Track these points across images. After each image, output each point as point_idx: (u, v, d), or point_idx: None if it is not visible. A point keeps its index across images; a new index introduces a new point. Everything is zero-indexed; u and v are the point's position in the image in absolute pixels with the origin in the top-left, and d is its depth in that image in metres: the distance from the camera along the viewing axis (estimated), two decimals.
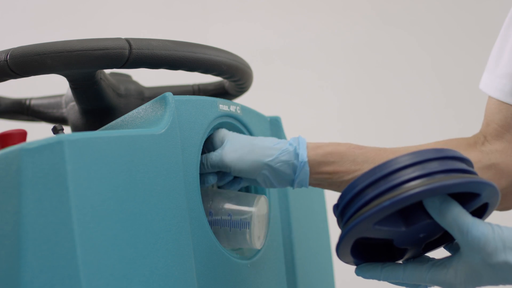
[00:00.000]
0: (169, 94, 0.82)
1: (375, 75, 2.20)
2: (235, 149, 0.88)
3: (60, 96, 1.09)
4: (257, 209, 0.88)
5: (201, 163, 0.88)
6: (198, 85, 1.12)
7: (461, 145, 0.95)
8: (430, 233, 0.77)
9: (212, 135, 0.91)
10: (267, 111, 1.09)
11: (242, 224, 0.87)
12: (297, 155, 0.87)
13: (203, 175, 0.89)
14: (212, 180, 0.89)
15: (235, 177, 0.92)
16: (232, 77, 0.96)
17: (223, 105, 0.91)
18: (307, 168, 0.87)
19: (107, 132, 0.73)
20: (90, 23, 2.20)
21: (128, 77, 1.05)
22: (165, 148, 0.78)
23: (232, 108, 0.92)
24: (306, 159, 0.86)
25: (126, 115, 0.83)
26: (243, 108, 0.96)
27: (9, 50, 0.82)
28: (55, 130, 0.82)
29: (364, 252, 0.78)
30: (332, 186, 0.90)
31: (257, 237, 0.89)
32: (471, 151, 0.94)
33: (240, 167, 0.88)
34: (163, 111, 0.81)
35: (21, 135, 0.85)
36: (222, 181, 0.92)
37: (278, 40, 2.21)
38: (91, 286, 0.65)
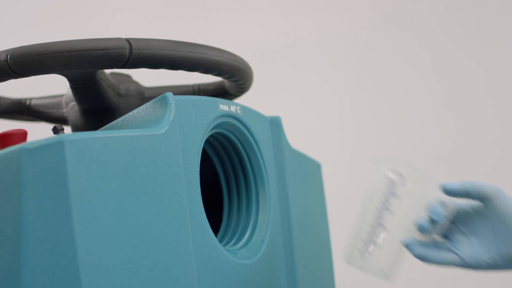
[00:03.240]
0: (169, 94, 0.82)
1: (375, 75, 2.20)
2: None
3: (60, 96, 1.09)
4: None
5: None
6: (198, 85, 1.12)
7: None
8: None
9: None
10: (267, 111, 1.09)
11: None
12: None
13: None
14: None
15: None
16: (232, 77, 0.96)
17: (224, 105, 0.91)
18: None
19: (107, 132, 0.73)
20: (90, 23, 2.20)
21: (128, 77, 1.05)
22: (165, 148, 0.78)
23: (233, 108, 0.92)
24: None
25: (126, 115, 0.83)
26: (243, 108, 0.96)
27: (9, 50, 0.82)
28: (55, 130, 0.82)
29: None
30: None
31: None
32: None
33: None
34: (163, 111, 0.81)
35: (21, 135, 0.85)
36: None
37: (278, 40, 2.21)
38: (91, 286, 0.65)
